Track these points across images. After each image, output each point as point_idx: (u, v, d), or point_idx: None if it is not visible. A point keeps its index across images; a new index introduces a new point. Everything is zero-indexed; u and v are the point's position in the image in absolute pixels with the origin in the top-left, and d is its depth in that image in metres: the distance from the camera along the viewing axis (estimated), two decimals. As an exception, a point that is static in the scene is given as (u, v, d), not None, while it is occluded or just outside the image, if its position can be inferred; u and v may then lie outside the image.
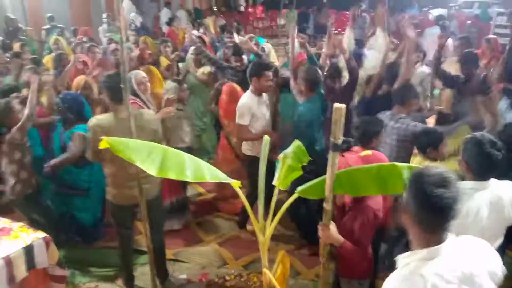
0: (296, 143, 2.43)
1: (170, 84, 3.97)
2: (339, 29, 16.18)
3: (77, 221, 3.74)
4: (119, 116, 2.75)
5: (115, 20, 9.03)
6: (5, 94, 3.53)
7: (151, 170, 1.69)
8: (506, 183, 2.10)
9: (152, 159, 1.71)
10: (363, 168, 1.93)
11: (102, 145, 1.71)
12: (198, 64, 5.20)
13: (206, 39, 6.35)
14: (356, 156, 2.32)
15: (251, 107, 3.65)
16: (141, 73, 3.65)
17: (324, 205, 1.96)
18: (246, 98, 3.69)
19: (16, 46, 6.08)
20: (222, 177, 1.88)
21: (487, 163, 2.01)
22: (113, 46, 5.64)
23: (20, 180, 3.21)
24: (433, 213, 1.32)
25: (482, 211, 2.01)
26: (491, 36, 5.80)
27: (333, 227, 2.03)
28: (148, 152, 1.74)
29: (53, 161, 3.37)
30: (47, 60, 5.64)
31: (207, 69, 5.19)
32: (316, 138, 3.66)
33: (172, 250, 3.81)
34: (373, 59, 4.87)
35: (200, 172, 1.79)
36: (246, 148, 3.88)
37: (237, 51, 4.93)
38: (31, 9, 9.96)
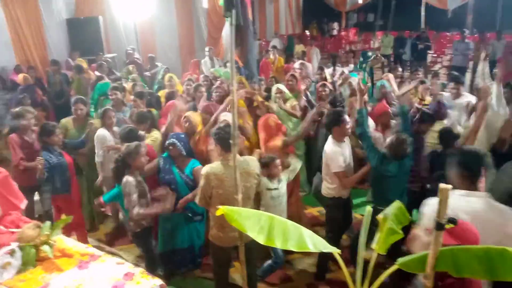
0: (397, 204, 2.43)
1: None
2: (438, 53, 15.41)
3: (190, 250, 4.01)
4: (228, 164, 3.02)
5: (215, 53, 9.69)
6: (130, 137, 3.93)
7: (260, 239, 1.85)
8: None
9: (260, 227, 1.88)
10: (469, 248, 1.88)
11: (219, 212, 1.92)
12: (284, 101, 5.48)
13: (298, 76, 6.48)
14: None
15: (342, 152, 3.73)
16: None
17: (423, 280, 1.95)
18: (333, 145, 3.75)
19: (129, 86, 6.56)
20: (324, 247, 1.97)
21: None
22: (218, 83, 6.02)
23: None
24: None
25: None
26: None
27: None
28: (257, 220, 1.91)
29: (185, 198, 3.72)
30: (161, 94, 6.22)
31: (293, 102, 5.53)
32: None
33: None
34: None
35: (303, 242, 1.91)
36: (328, 191, 3.89)
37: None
38: (143, 41, 10.91)
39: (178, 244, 3.94)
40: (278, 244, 1.87)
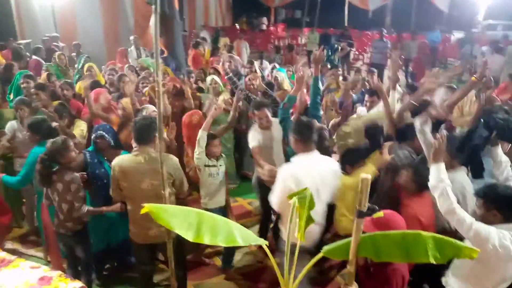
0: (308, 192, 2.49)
1: None
2: (360, 50, 16.31)
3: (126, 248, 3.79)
4: (136, 157, 2.99)
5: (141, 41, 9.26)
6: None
7: (188, 235, 1.80)
8: None
9: (189, 224, 1.83)
10: (388, 233, 1.99)
11: (143, 210, 1.83)
12: (217, 92, 5.45)
13: (221, 70, 6.44)
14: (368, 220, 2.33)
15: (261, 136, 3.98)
16: None
17: (348, 267, 2.05)
18: (253, 129, 4.07)
19: (43, 76, 6.09)
20: (253, 240, 1.98)
21: None
22: (143, 74, 5.79)
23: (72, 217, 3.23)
24: None
25: None
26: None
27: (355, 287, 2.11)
28: (185, 217, 1.85)
29: None
30: (79, 86, 5.83)
31: (227, 95, 5.51)
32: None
33: (193, 282, 3.92)
34: None
35: (232, 236, 1.89)
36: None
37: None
38: (63, 27, 10.08)
39: (113, 241, 3.75)
40: (207, 240, 1.83)
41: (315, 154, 3.07)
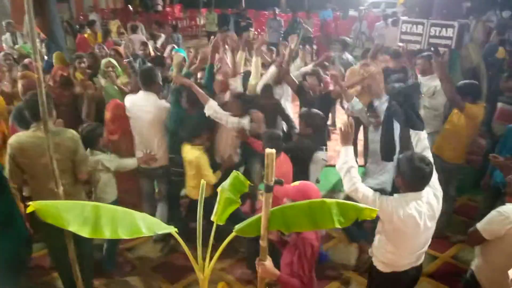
0: (234, 174, 2.46)
1: None
2: (258, 30, 16.53)
3: None
4: (35, 133, 2.87)
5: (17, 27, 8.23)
6: None
7: (84, 231, 1.61)
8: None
9: (84, 219, 1.64)
10: (295, 205, 2.02)
11: (29, 209, 1.59)
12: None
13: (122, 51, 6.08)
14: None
15: None
16: None
17: (260, 242, 2.04)
18: None
19: None
20: (160, 228, 1.86)
21: (419, 176, 2.41)
22: (26, 61, 5.18)
23: None
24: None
25: (420, 218, 2.41)
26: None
27: (269, 262, 2.12)
28: (79, 211, 1.66)
29: None
30: None
31: (125, 79, 5.20)
32: None
33: (101, 280, 3.68)
34: None
35: (136, 227, 1.75)
36: None
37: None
38: None
39: None
40: (108, 234, 1.66)
41: None
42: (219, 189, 2.27)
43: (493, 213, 2.62)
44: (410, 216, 2.40)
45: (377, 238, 2.73)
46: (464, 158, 4.27)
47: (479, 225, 2.65)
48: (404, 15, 9.99)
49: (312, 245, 2.31)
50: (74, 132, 3.05)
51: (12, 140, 2.92)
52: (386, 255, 2.65)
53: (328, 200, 1.95)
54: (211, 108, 3.88)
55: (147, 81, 3.87)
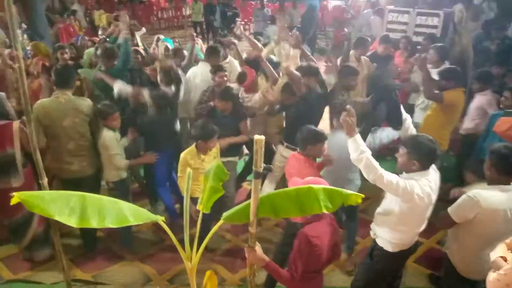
0: (216, 163, 2.47)
1: None
2: (245, 20, 16.42)
3: None
4: (57, 99, 3.48)
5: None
6: None
7: (71, 221, 1.60)
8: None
9: (71, 209, 1.62)
10: (283, 191, 2.04)
11: (14, 201, 1.57)
12: None
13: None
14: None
15: None
16: None
17: (249, 228, 2.06)
18: None
19: None
20: (146, 217, 1.86)
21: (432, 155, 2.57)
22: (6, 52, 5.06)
23: None
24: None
25: (433, 193, 2.59)
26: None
27: (258, 248, 2.14)
28: (65, 201, 1.64)
29: None
30: None
31: None
32: None
33: (91, 273, 3.67)
34: None
35: (123, 216, 1.75)
36: None
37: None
38: None
39: None
40: (94, 224, 1.66)
41: None
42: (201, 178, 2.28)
43: (463, 197, 2.67)
44: (426, 193, 2.52)
45: (384, 220, 2.79)
46: (446, 146, 4.34)
47: (450, 209, 2.72)
48: (390, 4, 10.02)
49: (310, 243, 2.21)
50: (89, 100, 3.72)
51: (37, 104, 3.41)
52: (397, 235, 2.74)
53: (314, 186, 1.97)
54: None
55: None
